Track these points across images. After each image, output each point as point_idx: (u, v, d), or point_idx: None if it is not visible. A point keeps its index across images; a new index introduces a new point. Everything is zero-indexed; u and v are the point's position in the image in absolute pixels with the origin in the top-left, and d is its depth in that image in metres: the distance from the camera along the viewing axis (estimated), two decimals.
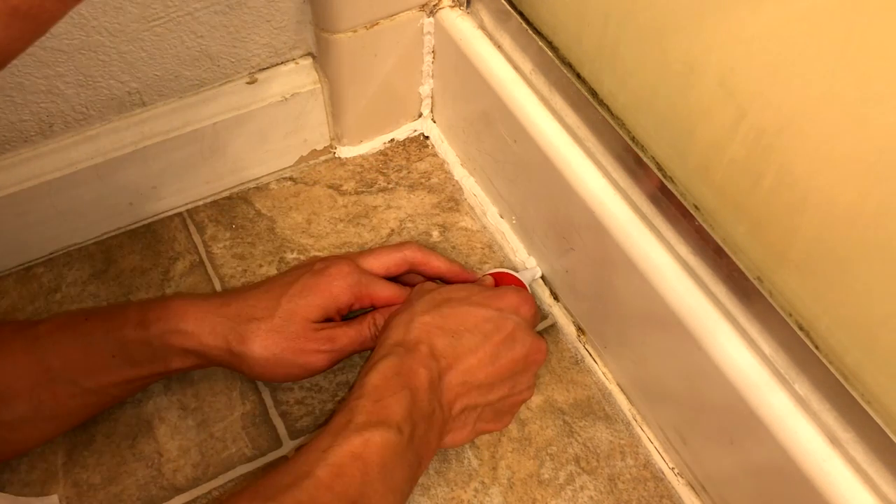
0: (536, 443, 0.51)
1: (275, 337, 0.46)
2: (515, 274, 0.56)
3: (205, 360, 0.47)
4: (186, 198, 0.61)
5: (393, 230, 0.61)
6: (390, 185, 0.64)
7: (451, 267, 0.53)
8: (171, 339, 0.45)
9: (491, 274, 0.55)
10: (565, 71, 0.49)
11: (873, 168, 0.33)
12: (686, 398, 0.47)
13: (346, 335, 0.48)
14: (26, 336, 0.45)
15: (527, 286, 0.55)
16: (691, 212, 0.43)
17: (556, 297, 0.58)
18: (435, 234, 0.61)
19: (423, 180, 0.64)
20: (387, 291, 0.50)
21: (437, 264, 0.53)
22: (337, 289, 0.48)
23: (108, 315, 0.46)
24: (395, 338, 0.45)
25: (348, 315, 0.51)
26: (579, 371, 0.55)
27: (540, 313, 0.55)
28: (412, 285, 0.52)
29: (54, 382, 0.44)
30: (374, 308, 0.51)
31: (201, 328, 0.46)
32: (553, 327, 0.57)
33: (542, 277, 0.59)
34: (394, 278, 0.53)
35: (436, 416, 0.42)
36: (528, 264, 0.59)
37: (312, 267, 0.49)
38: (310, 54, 0.59)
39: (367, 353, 0.52)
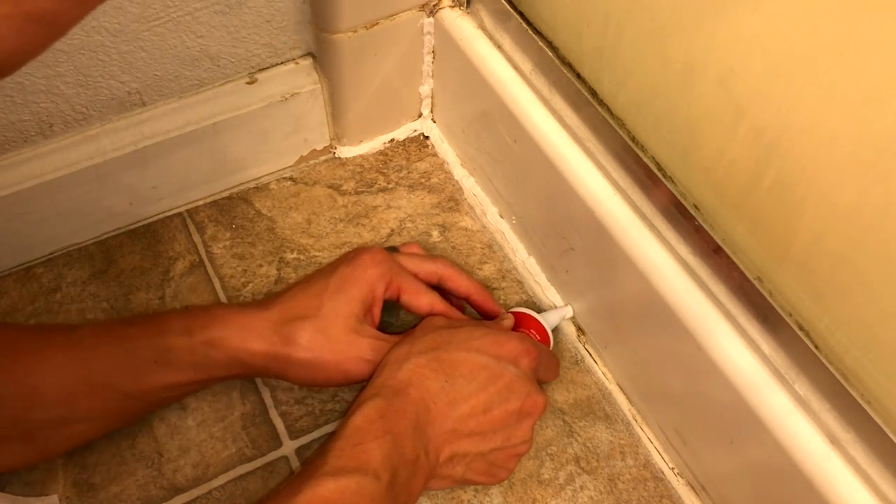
0: (536, 443, 0.51)
1: (319, 337, 0.45)
2: (537, 317, 0.53)
3: (248, 369, 0.46)
4: (186, 198, 0.61)
5: (393, 230, 0.61)
6: (390, 185, 0.64)
7: (479, 291, 0.52)
8: (216, 346, 0.45)
9: (513, 312, 0.53)
10: (565, 71, 0.49)
11: (873, 168, 0.33)
12: (686, 398, 0.47)
13: (390, 348, 0.47)
14: (69, 338, 0.44)
15: (548, 330, 0.53)
16: (691, 212, 0.43)
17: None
18: (435, 234, 0.61)
19: (423, 180, 0.64)
20: (414, 286, 0.49)
21: (465, 283, 0.52)
22: (372, 277, 0.47)
23: (150, 321, 0.46)
24: (386, 377, 0.44)
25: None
26: (579, 371, 0.55)
27: (558, 362, 0.53)
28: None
29: (93, 385, 0.44)
30: (399, 300, 0.50)
31: (246, 335, 0.45)
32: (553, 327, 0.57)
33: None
34: None
35: (420, 462, 0.41)
36: (557, 303, 0.57)
37: (346, 257, 0.49)
38: (310, 54, 0.59)
39: None
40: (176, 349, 0.45)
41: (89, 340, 0.45)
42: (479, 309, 0.53)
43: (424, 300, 0.49)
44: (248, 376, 0.48)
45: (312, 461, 0.39)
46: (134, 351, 0.44)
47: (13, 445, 0.45)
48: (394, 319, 0.56)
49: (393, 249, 0.54)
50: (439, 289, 0.52)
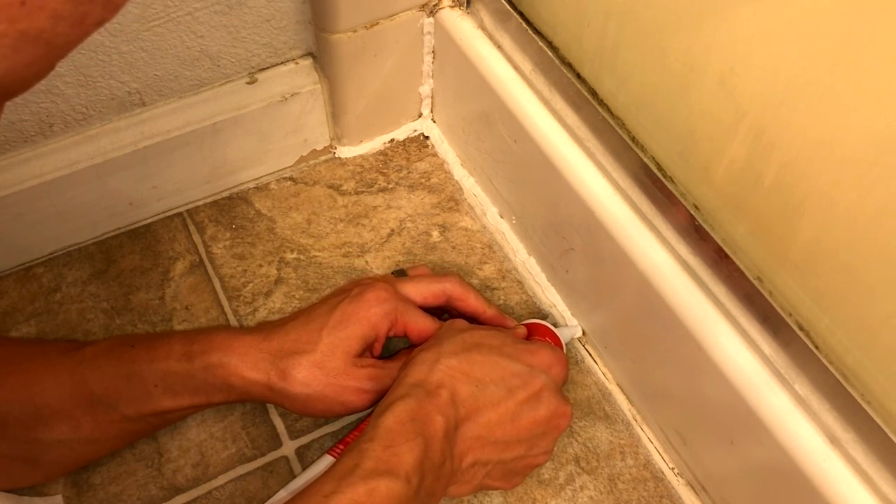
0: None
1: (316, 372, 0.45)
2: (552, 328, 0.53)
3: (246, 395, 0.46)
4: (186, 198, 0.61)
5: (393, 230, 0.61)
6: (390, 185, 0.64)
7: (489, 310, 0.51)
8: (215, 373, 0.45)
9: (526, 324, 0.52)
10: (565, 71, 0.49)
11: (873, 168, 0.33)
12: (686, 398, 0.47)
13: (390, 376, 0.46)
14: (73, 358, 0.45)
15: (562, 343, 0.53)
16: (691, 212, 0.43)
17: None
18: (435, 234, 0.61)
19: (423, 180, 0.64)
20: (421, 323, 0.48)
21: (474, 303, 0.51)
22: (375, 316, 0.46)
23: (152, 344, 0.46)
24: (417, 377, 0.43)
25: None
26: (579, 371, 0.55)
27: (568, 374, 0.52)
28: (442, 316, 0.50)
29: (95, 406, 0.44)
30: (406, 336, 0.49)
31: (244, 363, 0.45)
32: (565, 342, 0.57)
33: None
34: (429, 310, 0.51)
35: (445, 468, 0.41)
36: (568, 321, 0.57)
37: (350, 292, 0.48)
38: (310, 54, 0.59)
39: None
40: (175, 374, 0.45)
41: (91, 362, 0.44)
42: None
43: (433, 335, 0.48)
44: (247, 401, 0.48)
45: (342, 461, 0.39)
46: (135, 374, 0.44)
47: (18, 465, 0.45)
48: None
49: (401, 273, 0.54)
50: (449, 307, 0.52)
